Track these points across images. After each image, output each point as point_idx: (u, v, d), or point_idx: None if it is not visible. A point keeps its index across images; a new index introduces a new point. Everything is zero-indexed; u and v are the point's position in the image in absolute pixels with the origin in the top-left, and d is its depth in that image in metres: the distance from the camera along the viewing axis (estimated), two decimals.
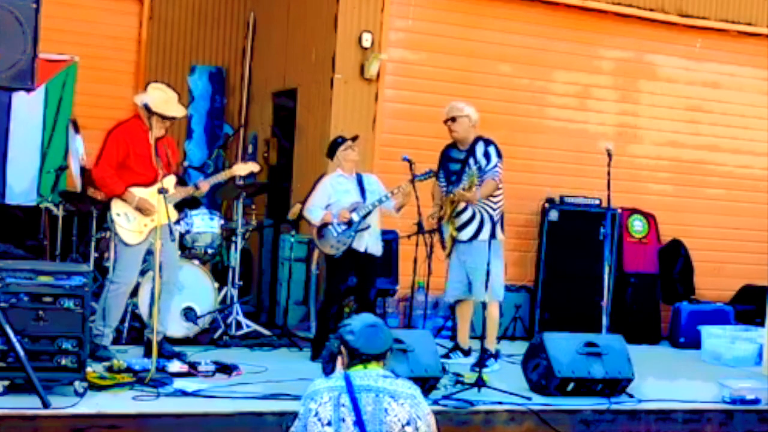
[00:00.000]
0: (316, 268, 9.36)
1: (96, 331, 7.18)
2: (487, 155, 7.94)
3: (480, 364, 7.36)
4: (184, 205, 8.62)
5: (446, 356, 8.00)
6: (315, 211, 7.95)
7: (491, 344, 7.99)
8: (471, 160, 7.97)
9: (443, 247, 8.11)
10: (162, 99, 7.31)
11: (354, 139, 8.14)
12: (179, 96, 7.52)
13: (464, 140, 8.05)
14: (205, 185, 7.64)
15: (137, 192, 7.28)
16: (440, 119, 9.87)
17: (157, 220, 7.25)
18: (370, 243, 7.92)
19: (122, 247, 7.35)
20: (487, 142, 8.03)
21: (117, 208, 7.30)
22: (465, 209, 7.92)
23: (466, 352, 8.21)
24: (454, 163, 8.07)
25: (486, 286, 7.53)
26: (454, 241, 8.01)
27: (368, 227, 7.86)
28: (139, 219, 7.29)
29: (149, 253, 7.42)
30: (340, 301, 8.26)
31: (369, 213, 7.87)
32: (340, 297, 8.24)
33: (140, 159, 7.30)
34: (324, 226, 7.89)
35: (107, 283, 7.48)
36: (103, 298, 7.36)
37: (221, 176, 8.00)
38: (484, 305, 7.66)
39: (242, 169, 7.97)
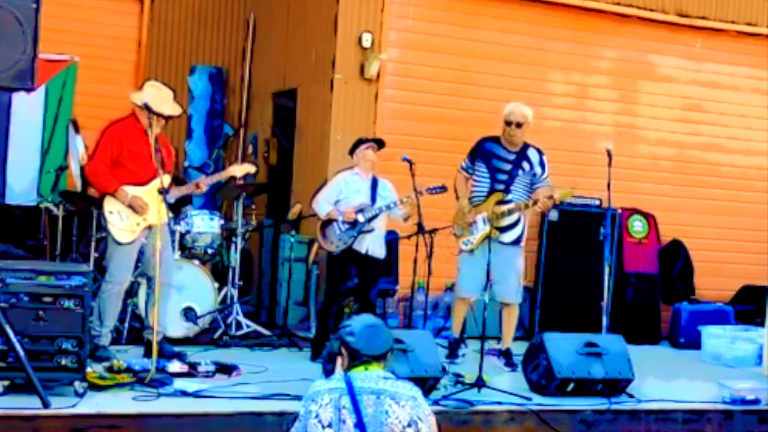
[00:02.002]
0: (317, 267, 9.36)
1: (93, 332, 7.17)
2: (542, 164, 8.11)
3: (509, 363, 7.94)
4: (181, 205, 8.65)
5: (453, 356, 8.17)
6: (323, 205, 7.93)
7: (510, 344, 8.27)
8: (525, 165, 8.04)
9: (466, 243, 8.04)
10: (158, 97, 7.29)
11: (378, 142, 8.11)
12: (175, 94, 7.51)
13: (516, 143, 8.08)
14: (204, 184, 7.64)
15: (131, 190, 7.27)
16: (440, 119, 9.95)
17: (150, 219, 7.26)
18: (371, 245, 7.90)
19: (115, 246, 7.34)
20: (540, 151, 8.15)
21: (110, 205, 7.29)
22: (512, 212, 7.95)
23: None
24: (501, 162, 8.05)
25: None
26: (485, 239, 7.91)
27: (372, 230, 7.85)
28: (132, 218, 7.28)
29: (142, 253, 7.43)
30: (340, 301, 8.25)
31: (374, 217, 7.85)
32: (340, 297, 8.22)
33: (135, 157, 7.29)
34: (328, 222, 7.89)
35: (102, 283, 7.48)
36: (98, 299, 7.36)
37: (219, 176, 8.02)
38: (503, 306, 8.16)
39: (238, 170, 7.97)
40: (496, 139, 8.13)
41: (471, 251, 8.01)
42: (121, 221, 7.27)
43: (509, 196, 7.97)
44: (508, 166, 8.02)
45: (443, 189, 7.99)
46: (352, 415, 3.90)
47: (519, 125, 8.01)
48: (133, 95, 7.36)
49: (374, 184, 7.99)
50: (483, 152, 8.11)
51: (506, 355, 8.17)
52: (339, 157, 8.40)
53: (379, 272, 8.18)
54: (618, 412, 6.92)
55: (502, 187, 8.00)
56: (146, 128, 7.27)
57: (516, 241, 8.05)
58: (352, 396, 3.92)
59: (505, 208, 7.90)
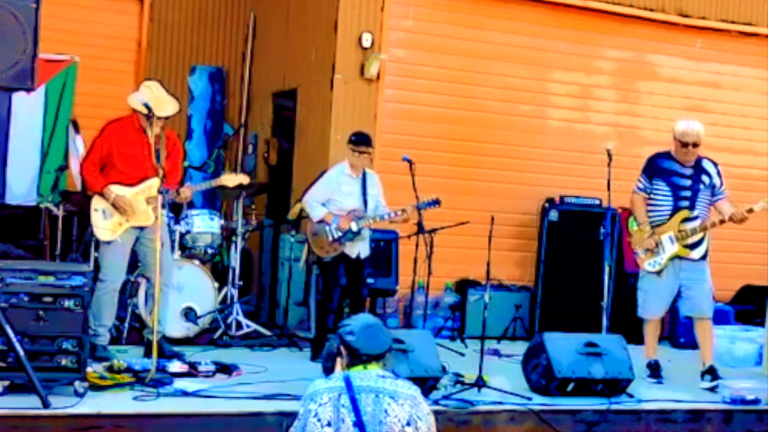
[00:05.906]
0: (317, 267, 9.34)
1: (91, 332, 7.16)
2: (720, 175, 7.99)
3: (715, 377, 7.74)
4: (182, 206, 8.64)
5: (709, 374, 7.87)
6: (316, 208, 7.90)
7: (711, 360, 8.00)
8: (705, 178, 7.90)
9: (653, 264, 7.97)
10: (156, 98, 7.27)
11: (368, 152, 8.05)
12: (169, 92, 7.47)
13: (691, 160, 7.95)
14: (187, 192, 7.59)
15: (117, 190, 7.27)
16: (440, 119, 9.95)
17: (135, 220, 7.26)
18: (362, 249, 7.97)
19: (102, 245, 7.38)
20: (715, 163, 8.05)
21: (96, 204, 7.32)
22: (696, 232, 7.88)
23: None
24: (681, 179, 7.90)
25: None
26: (673, 258, 7.89)
27: (362, 235, 7.90)
28: (115, 217, 7.29)
29: (137, 253, 7.43)
30: (340, 303, 8.22)
31: (368, 224, 7.89)
32: (337, 299, 8.17)
33: (126, 158, 7.28)
34: (320, 222, 7.87)
35: (96, 283, 7.46)
36: (95, 298, 7.35)
37: (208, 184, 8.01)
38: (696, 321, 8.04)
39: (230, 180, 7.89)
40: (668, 155, 8.01)
41: (658, 272, 7.96)
42: (103, 220, 7.29)
43: (695, 213, 7.89)
44: (688, 182, 7.89)
45: (437, 203, 7.89)
46: (351, 414, 3.91)
47: (696, 145, 7.88)
48: (131, 98, 7.34)
49: (363, 179, 7.98)
50: (660, 170, 7.99)
51: (710, 372, 7.85)
52: (339, 157, 8.39)
53: (366, 270, 8.15)
54: (618, 412, 6.92)
55: (686, 204, 7.89)
56: (146, 128, 7.25)
57: (704, 257, 7.98)
58: (351, 395, 3.93)
59: (692, 226, 7.83)
